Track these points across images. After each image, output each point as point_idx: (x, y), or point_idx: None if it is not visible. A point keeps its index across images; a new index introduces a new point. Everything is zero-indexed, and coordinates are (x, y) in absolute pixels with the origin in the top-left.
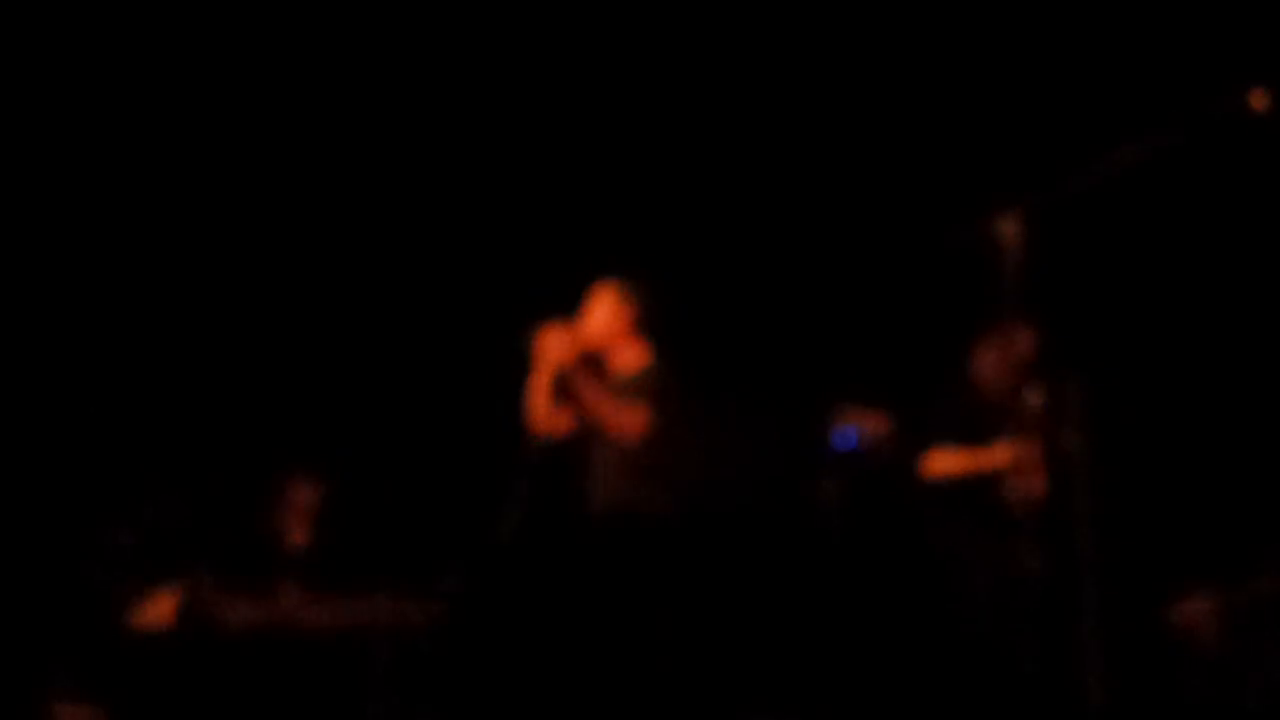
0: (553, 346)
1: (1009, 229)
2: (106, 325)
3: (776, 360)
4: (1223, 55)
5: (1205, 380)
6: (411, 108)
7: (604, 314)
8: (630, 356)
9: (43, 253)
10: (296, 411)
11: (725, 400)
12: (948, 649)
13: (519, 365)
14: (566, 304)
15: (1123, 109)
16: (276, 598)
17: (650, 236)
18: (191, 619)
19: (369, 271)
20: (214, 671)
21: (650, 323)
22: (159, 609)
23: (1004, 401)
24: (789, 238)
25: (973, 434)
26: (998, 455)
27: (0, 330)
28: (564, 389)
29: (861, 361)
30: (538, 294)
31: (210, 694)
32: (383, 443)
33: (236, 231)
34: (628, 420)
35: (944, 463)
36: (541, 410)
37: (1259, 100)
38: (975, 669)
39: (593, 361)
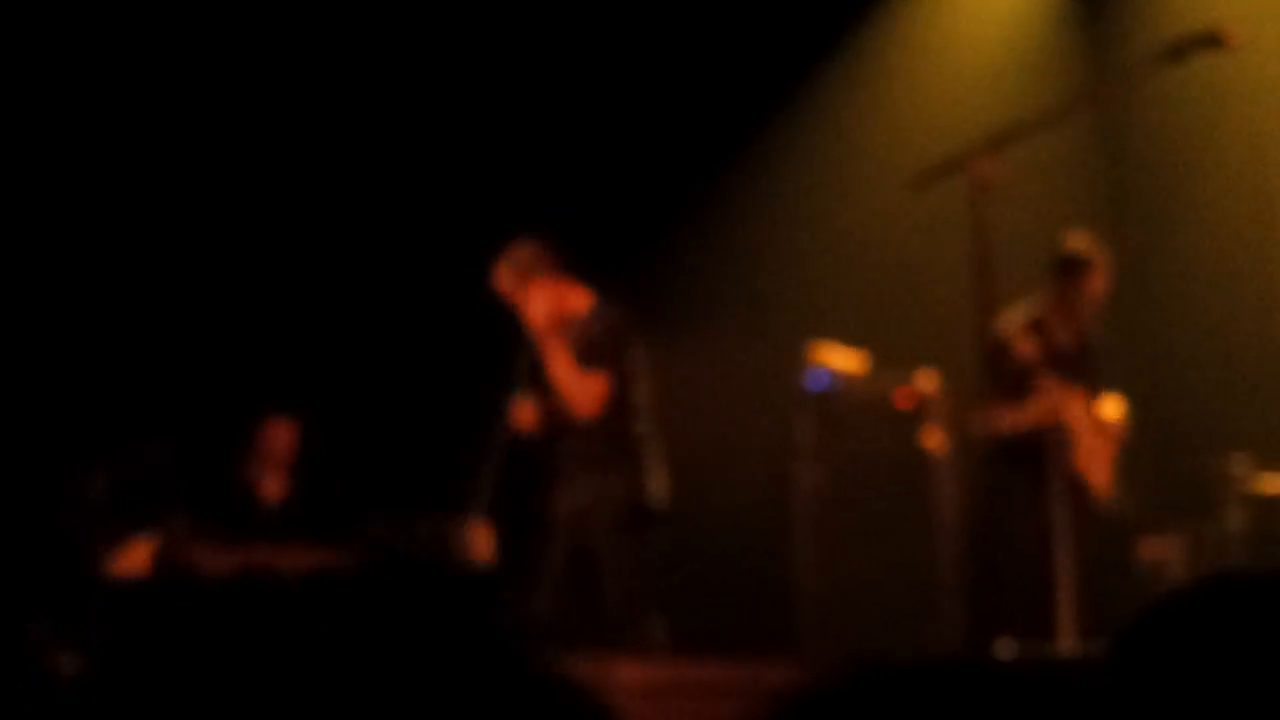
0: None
1: (989, 170)
2: (79, 277)
3: (747, 300)
4: None
5: None
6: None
7: (527, 292)
8: (574, 302)
9: (14, 209)
10: (272, 361)
11: (690, 342)
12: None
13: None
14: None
15: None
16: (251, 546)
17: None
18: (166, 567)
19: (340, 223)
20: (189, 619)
21: (575, 269)
22: (134, 557)
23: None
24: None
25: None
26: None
27: None
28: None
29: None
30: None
31: (185, 641)
32: (358, 392)
33: (209, 183)
34: (588, 390)
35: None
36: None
37: None
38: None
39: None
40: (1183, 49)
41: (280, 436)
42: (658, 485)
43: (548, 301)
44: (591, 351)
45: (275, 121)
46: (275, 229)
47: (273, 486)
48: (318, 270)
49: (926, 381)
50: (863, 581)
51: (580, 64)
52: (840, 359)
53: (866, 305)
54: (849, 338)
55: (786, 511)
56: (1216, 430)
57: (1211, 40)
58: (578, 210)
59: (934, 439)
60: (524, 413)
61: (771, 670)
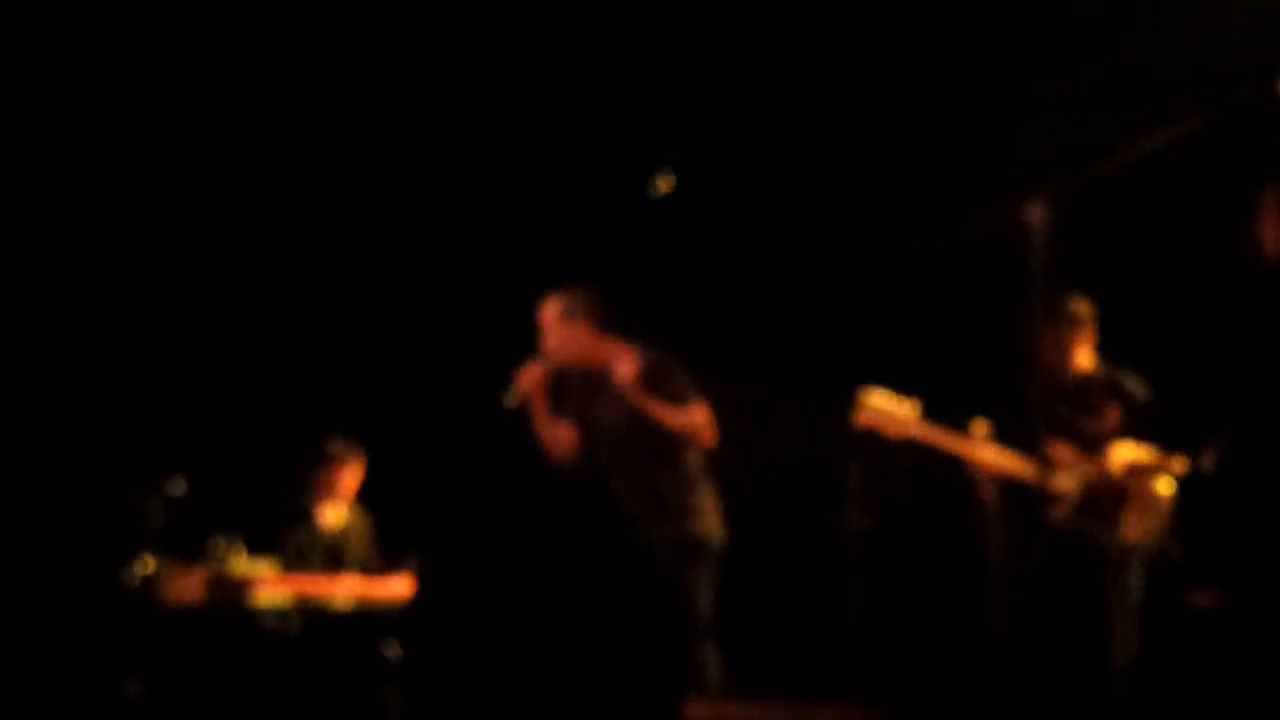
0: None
1: (1036, 215)
2: (139, 302)
3: (798, 346)
4: (1252, 43)
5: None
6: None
7: (560, 329)
8: (624, 360)
9: (78, 231)
10: (326, 389)
11: (741, 385)
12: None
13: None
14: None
15: (1150, 94)
16: (308, 574)
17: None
18: (220, 593)
19: (384, 265)
20: (242, 644)
21: (619, 323)
22: (189, 584)
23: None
24: (813, 224)
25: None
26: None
27: (33, 309)
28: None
29: (887, 346)
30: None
31: (238, 666)
32: (406, 422)
33: (270, 212)
34: (699, 419)
35: (996, 460)
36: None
37: None
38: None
39: (593, 375)
40: None
41: (347, 469)
42: (711, 523)
43: (579, 348)
44: (667, 387)
45: (343, 158)
46: (331, 258)
47: (331, 515)
48: (372, 306)
49: (978, 430)
50: (912, 627)
51: (625, 108)
52: (890, 405)
53: (918, 351)
54: (899, 384)
55: (838, 554)
56: None
57: None
58: (625, 254)
59: (984, 486)
60: (563, 436)
61: (827, 712)
